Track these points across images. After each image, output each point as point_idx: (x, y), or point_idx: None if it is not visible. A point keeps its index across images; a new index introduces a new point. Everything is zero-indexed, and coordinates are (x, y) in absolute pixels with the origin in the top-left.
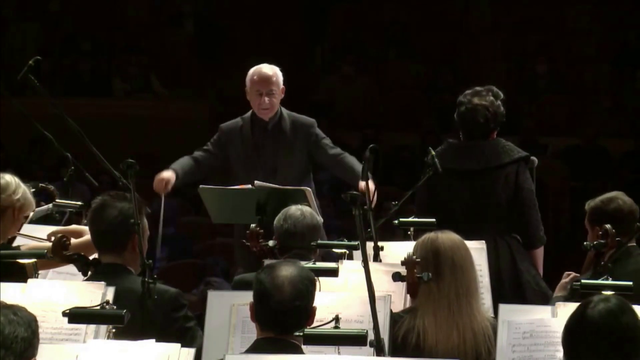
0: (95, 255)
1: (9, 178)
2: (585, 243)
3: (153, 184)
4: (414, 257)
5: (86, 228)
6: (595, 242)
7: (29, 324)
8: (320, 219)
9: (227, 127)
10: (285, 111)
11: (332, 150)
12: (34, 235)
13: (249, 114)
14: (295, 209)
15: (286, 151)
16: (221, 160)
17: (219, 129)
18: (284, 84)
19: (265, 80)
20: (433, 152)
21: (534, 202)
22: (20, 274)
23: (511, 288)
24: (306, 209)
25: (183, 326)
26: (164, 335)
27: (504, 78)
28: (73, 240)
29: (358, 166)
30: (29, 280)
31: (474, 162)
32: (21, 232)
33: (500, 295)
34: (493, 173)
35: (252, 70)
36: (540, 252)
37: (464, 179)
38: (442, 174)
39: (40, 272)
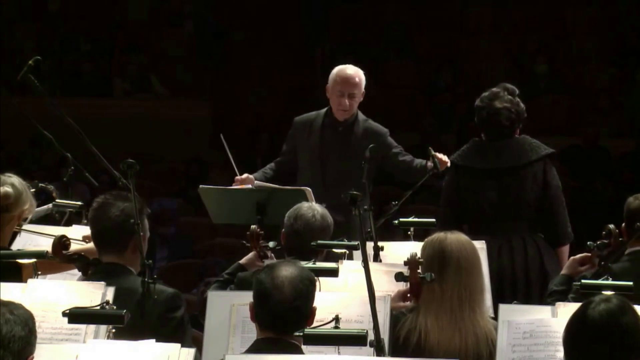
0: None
1: (19, 185)
2: (588, 242)
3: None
4: (417, 257)
5: None
6: (598, 242)
7: (26, 322)
8: (331, 220)
9: (299, 120)
10: (361, 116)
11: (401, 157)
12: (42, 232)
13: (325, 109)
14: (307, 209)
15: (352, 155)
16: (292, 154)
17: (293, 123)
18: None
19: (349, 81)
20: (433, 152)
21: (562, 199)
22: (15, 275)
23: (539, 289)
24: (318, 208)
25: (174, 327)
26: (157, 336)
27: (504, 78)
28: (77, 247)
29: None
30: (29, 280)
31: (501, 161)
32: (21, 233)
33: (528, 295)
34: (521, 171)
35: (336, 70)
36: (566, 250)
37: (491, 177)
38: (469, 173)
39: (43, 274)
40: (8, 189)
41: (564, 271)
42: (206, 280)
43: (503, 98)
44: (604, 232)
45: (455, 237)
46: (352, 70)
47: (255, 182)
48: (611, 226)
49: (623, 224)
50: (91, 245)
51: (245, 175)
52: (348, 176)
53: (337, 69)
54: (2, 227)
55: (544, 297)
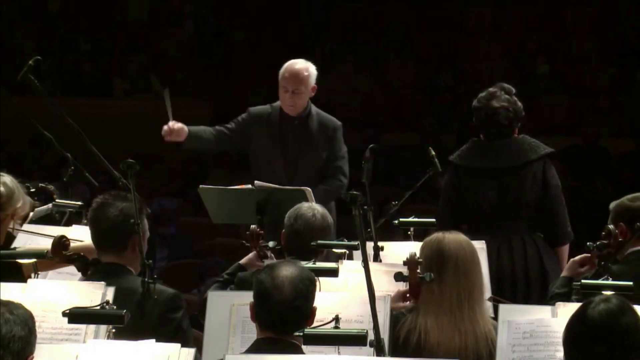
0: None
1: (11, 183)
2: (588, 243)
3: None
4: (417, 257)
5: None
6: (597, 242)
7: (26, 322)
8: (331, 219)
9: (255, 112)
10: (314, 109)
11: (330, 170)
12: (40, 232)
13: (278, 103)
14: (307, 208)
15: (309, 148)
16: (240, 140)
17: (247, 111)
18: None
19: (294, 77)
20: (433, 152)
21: (561, 198)
22: (17, 274)
23: (539, 289)
24: (318, 208)
25: (175, 328)
26: (157, 336)
27: (504, 78)
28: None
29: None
30: (29, 280)
31: (501, 160)
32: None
33: (528, 295)
34: (521, 170)
35: (285, 65)
36: (566, 249)
37: (491, 177)
38: (469, 173)
39: (40, 272)
40: None
41: (564, 273)
42: (214, 279)
43: (500, 97)
44: (603, 233)
45: (454, 237)
46: (300, 66)
47: (256, 182)
48: (611, 226)
49: (622, 224)
50: (88, 243)
51: (179, 126)
52: (308, 169)
53: (286, 64)
54: None
55: (546, 299)
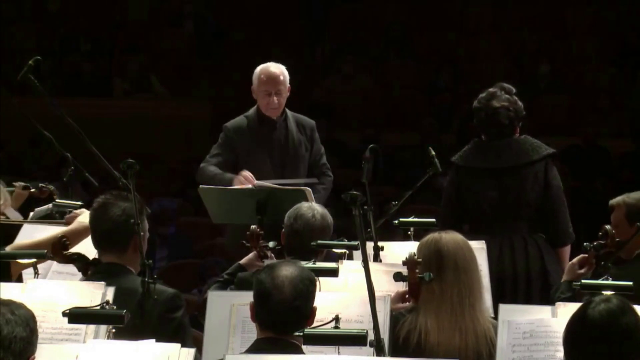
0: (95, 255)
1: None
2: (585, 244)
3: (243, 178)
4: (416, 257)
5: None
6: (595, 243)
7: (27, 322)
8: (330, 219)
9: (233, 125)
10: (288, 111)
11: (318, 163)
12: (44, 220)
13: (252, 111)
14: (307, 208)
15: (293, 149)
16: (232, 161)
17: (224, 129)
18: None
19: (274, 80)
20: (433, 152)
21: (563, 199)
22: (3, 274)
23: (540, 289)
24: (318, 208)
25: (175, 328)
26: (157, 336)
27: (504, 78)
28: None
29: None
30: (29, 280)
31: (502, 160)
32: (23, 229)
33: (529, 295)
34: (522, 170)
35: (259, 69)
36: (567, 250)
37: (492, 177)
38: (470, 173)
39: (40, 272)
40: None
41: (564, 277)
42: (214, 279)
43: (500, 97)
44: (600, 233)
45: (451, 237)
46: (276, 68)
47: (256, 182)
48: (607, 227)
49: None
50: (77, 225)
51: (252, 177)
52: (294, 170)
53: (260, 68)
54: None
55: (547, 300)
